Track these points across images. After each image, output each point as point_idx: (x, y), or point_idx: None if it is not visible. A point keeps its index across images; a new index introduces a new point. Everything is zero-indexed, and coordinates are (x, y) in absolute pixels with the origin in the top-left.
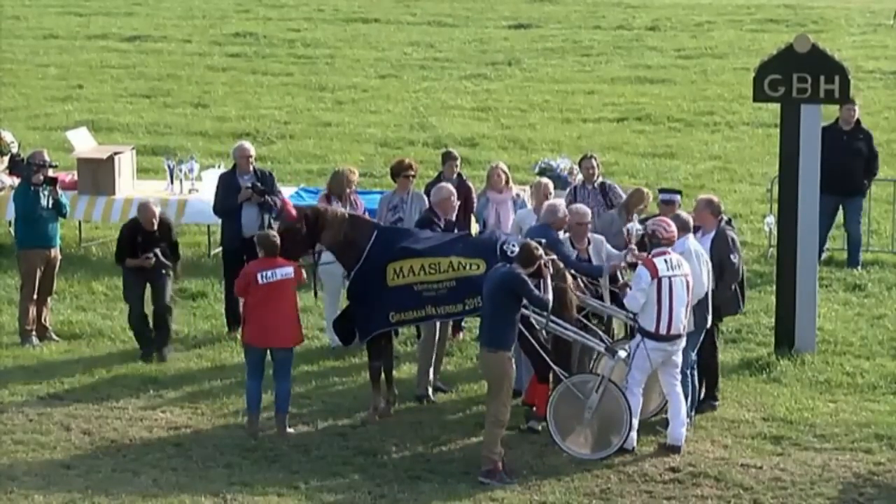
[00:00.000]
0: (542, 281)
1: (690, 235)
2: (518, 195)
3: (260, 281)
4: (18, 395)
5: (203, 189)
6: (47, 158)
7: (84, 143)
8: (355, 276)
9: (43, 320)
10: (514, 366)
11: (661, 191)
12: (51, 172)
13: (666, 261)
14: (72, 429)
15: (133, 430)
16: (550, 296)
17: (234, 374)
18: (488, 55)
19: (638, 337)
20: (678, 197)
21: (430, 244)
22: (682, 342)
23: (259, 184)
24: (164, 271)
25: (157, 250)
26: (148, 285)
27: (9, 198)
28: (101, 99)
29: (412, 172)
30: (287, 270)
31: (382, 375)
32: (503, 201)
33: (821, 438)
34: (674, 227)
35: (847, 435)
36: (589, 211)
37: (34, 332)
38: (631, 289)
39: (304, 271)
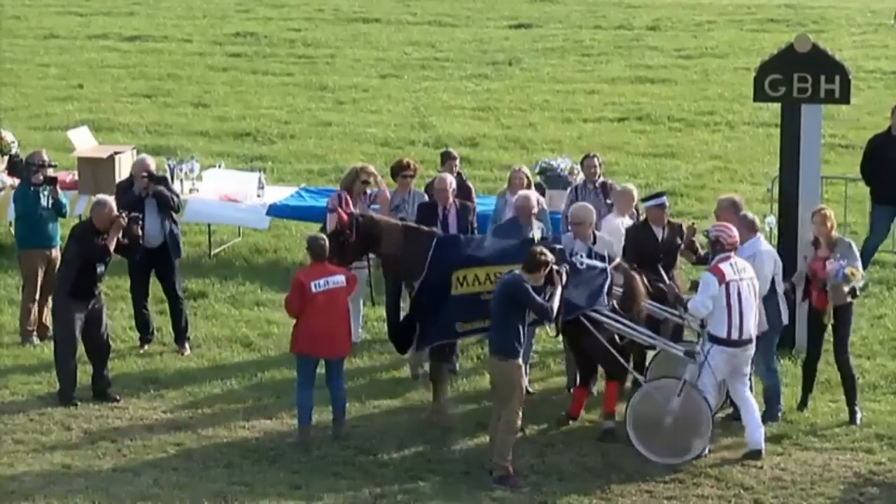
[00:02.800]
0: (552, 289)
1: (760, 236)
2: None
3: (313, 290)
4: (19, 395)
5: (203, 189)
6: (46, 158)
7: (85, 142)
8: (420, 287)
9: (44, 320)
10: (524, 373)
11: (645, 199)
12: (50, 172)
13: (731, 265)
14: (72, 428)
15: (133, 430)
16: (556, 304)
17: (234, 373)
18: (489, 55)
19: (707, 343)
20: (664, 198)
21: (494, 251)
22: (752, 347)
23: (151, 171)
24: (98, 306)
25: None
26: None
27: (9, 198)
28: (102, 99)
29: (410, 173)
30: (339, 279)
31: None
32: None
33: (821, 438)
34: (736, 232)
35: (848, 435)
36: (589, 210)
37: (35, 332)
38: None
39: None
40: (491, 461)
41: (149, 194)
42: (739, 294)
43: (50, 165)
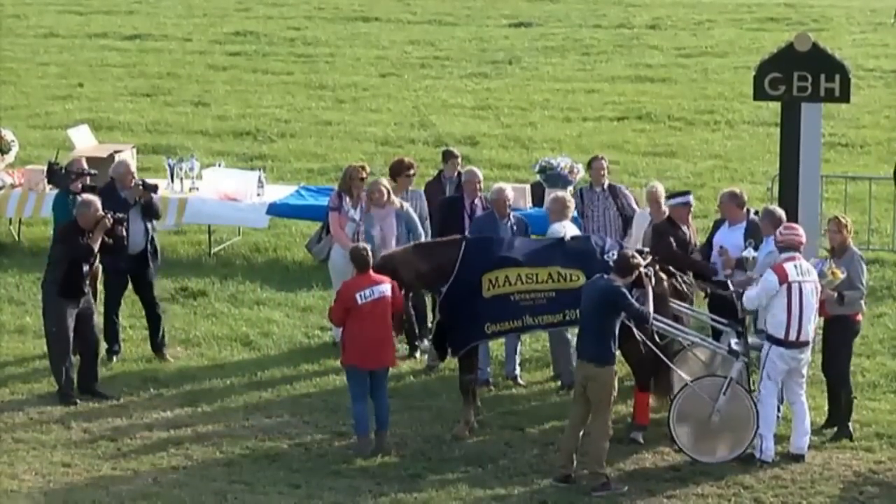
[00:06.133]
0: (643, 291)
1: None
2: (402, 205)
3: (359, 301)
4: (19, 394)
5: (203, 188)
6: (85, 166)
7: (85, 140)
8: (447, 291)
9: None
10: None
11: (670, 197)
12: (88, 181)
13: (795, 266)
14: (72, 428)
15: (133, 430)
16: (651, 307)
17: (234, 373)
18: (489, 54)
19: (766, 345)
20: (689, 197)
21: (526, 252)
22: (809, 350)
23: (145, 180)
24: (87, 304)
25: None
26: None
27: (9, 196)
28: (102, 97)
29: (412, 172)
30: (384, 288)
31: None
32: (386, 216)
33: (821, 436)
34: (802, 232)
35: None
36: (555, 199)
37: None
38: (752, 287)
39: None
40: (561, 467)
41: (139, 202)
42: (801, 296)
43: (89, 174)
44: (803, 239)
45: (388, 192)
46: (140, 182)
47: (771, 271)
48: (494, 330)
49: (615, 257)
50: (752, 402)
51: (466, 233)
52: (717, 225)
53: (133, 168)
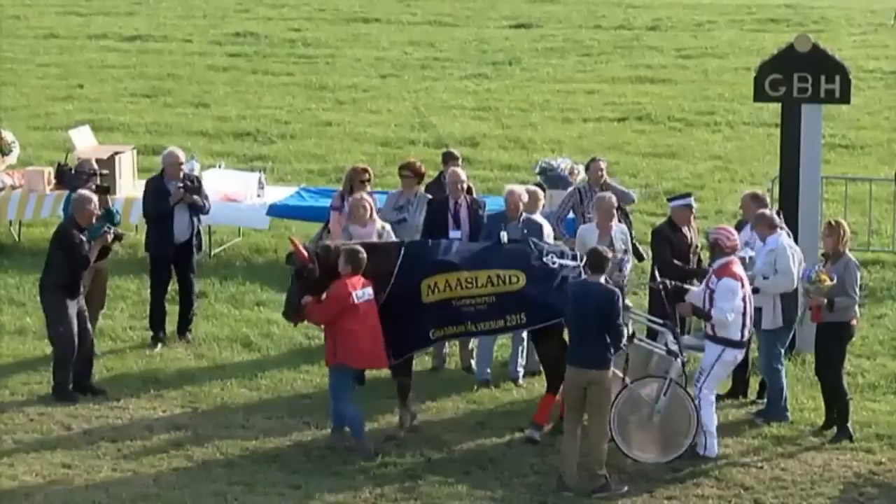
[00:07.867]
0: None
1: (782, 232)
2: (384, 227)
3: (355, 300)
4: (19, 395)
5: (203, 189)
6: (96, 166)
7: (85, 141)
8: (388, 297)
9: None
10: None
11: (672, 199)
12: (99, 181)
13: (738, 266)
14: (72, 428)
15: (133, 430)
16: (626, 332)
17: (234, 373)
18: (489, 55)
19: (717, 347)
20: (691, 199)
21: (464, 256)
22: None
23: (190, 182)
24: (83, 304)
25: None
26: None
27: (9, 198)
28: (102, 98)
29: (409, 173)
30: (371, 290)
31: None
32: (367, 236)
33: (821, 438)
34: (736, 236)
35: None
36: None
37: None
38: (716, 302)
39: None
40: (564, 470)
41: (182, 201)
42: (748, 296)
43: (101, 174)
44: (737, 242)
45: (371, 210)
46: (182, 185)
47: (729, 279)
48: (439, 335)
49: (556, 260)
50: (692, 402)
51: (454, 233)
52: (738, 227)
53: (181, 159)
